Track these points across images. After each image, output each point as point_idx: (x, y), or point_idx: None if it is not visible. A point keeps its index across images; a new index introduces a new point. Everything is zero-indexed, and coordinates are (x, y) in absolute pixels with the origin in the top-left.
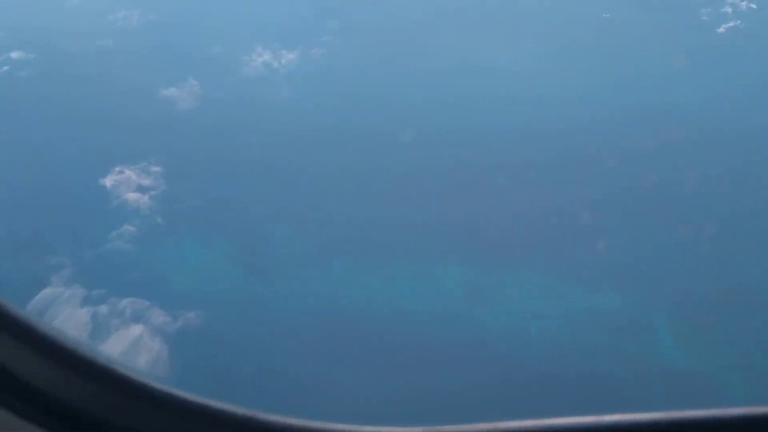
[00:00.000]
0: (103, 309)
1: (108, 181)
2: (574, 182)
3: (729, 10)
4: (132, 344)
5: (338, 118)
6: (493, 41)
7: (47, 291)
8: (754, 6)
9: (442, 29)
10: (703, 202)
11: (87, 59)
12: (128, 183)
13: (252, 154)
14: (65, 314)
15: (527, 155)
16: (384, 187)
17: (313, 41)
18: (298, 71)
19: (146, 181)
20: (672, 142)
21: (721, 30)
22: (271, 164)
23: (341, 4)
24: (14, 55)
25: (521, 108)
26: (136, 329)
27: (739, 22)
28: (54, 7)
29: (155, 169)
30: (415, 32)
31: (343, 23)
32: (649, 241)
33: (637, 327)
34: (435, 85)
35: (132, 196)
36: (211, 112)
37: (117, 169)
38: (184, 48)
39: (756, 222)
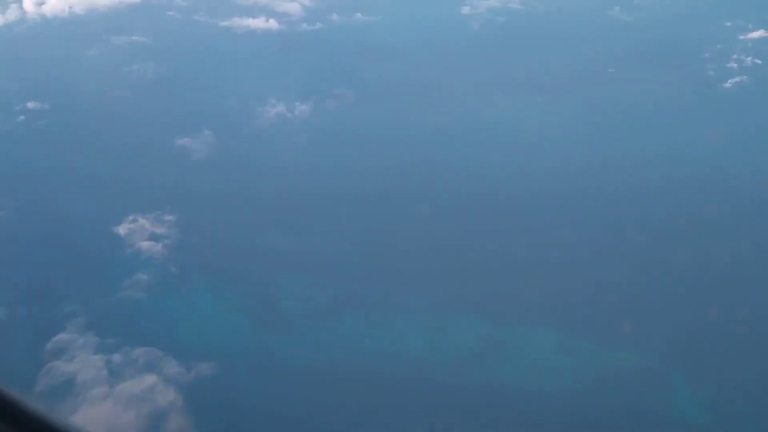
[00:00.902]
0: (117, 357)
1: (122, 230)
2: (588, 238)
3: (735, 65)
4: (145, 393)
5: (350, 169)
6: (503, 97)
7: (61, 337)
8: (759, 61)
9: (454, 85)
10: (709, 251)
11: (102, 110)
12: (142, 231)
13: (265, 203)
14: (79, 361)
15: (540, 209)
16: (396, 238)
17: (326, 93)
18: (311, 122)
19: (160, 230)
20: (681, 187)
21: (728, 85)
22: (283, 214)
23: (353, 59)
24: (30, 105)
25: (532, 160)
26: (149, 379)
27: (744, 77)
28: (70, 59)
29: (169, 217)
30: (426, 86)
31: (355, 77)
32: (661, 294)
33: (654, 383)
34: (447, 137)
35: (145, 244)
36: (224, 162)
37: (131, 217)
38: (199, 99)
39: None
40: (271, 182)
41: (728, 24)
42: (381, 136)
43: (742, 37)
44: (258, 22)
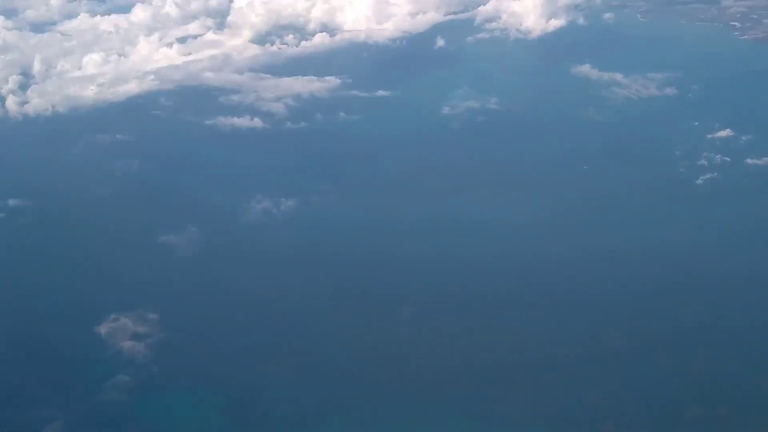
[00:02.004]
0: None
1: (103, 329)
2: (568, 337)
3: (705, 163)
4: None
5: (336, 264)
6: (483, 193)
7: None
8: (728, 159)
9: (435, 181)
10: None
11: (85, 207)
12: (124, 330)
13: (250, 300)
14: None
15: (520, 307)
16: (382, 337)
17: (311, 189)
18: (297, 218)
19: (142, 329)
20: (657, 287)
21: (700, 181)
22: (268, 311)
23: (337, 156)
24: (12, 202)
25: (512, 257)
26: None
27: (715, 174)
28: (53, 157)
29: (152, 316)
30: (408, 183)
31: (339, 174)
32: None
33: None
34: (429, 233)
35: (127, 344)
36: (210, 259)
37: (112, 316)
38: (184, 196)
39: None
40: (257, 279)
41: (696, 124)
42: (365, 231)
43: (710, 136)
44: (243, 121)
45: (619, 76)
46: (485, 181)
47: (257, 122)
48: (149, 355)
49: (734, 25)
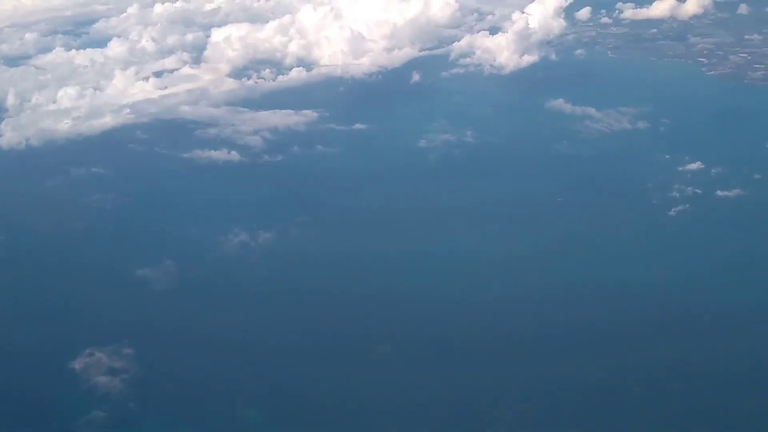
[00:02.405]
0: None
1: (78, 364)
2: (546, 374)
3: (677, 195)
4: None
5: (314, 298)
6: (460, 225)
7: None
8: (699, 191)
9: (414, 214)
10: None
11: (59, 241)
12: (99, 366)
13: (227, 335)
14: None
15: (496, 337)
16: (359, 373)
17: (289, 222)
18: (274, 250)
19: (118, 364)
20: (633, 320)
21: (672, 213)
22: (245, 346)
23: (315, 189)
24: None
25: (490, 290)
26: None
27: (687, 205)
28: (27, 190)
29: (128, 351)
30: (386, 215)
31: (317, 206)
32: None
33: None
34: (407, 270)
35: (102, 379)
36: (187, 292)
37: (87, 351)
38: (160, 229)
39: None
40: (234, 313)
41: (667, 156)
42: (342, 265)
43: (680, 169)
44: (220, 154)
45: (592, 111)
46: (462, 214)
47: (234, 155)
48: (125, 390)
49: (702, 61)
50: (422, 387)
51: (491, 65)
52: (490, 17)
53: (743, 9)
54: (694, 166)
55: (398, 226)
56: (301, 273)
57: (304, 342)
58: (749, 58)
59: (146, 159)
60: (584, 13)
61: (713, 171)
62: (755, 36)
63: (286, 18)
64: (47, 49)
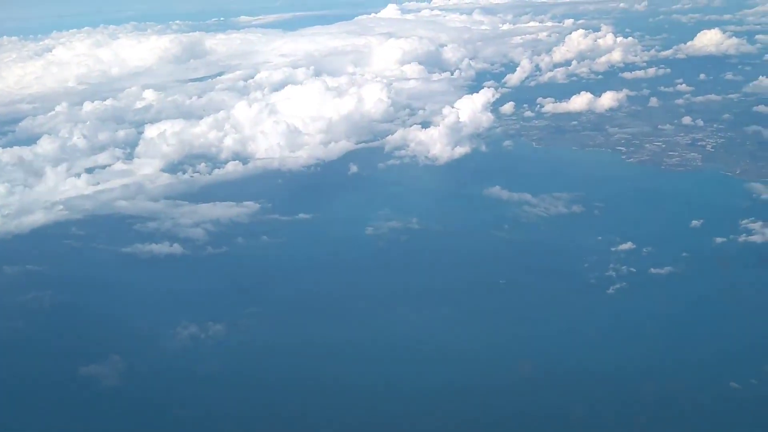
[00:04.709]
0: None
1: None
2: None
3: (613, 273)
4: None
5: (268, 387)
6: (408, 311)
7: None
8: (633, 269)
9: (365, 303)
10: None
11: None
12: None
13: (185, 428)
14: None
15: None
16: None
17: (239, 313)
18: (226, 342)
19: None
20: (577, 395)
21: (611, 291)
22: None
23: (263, 279)
24: None
25: (433, 374)
26: None
27: (624, 283)
28: None
29: None
30: (338, 305)
31: (266, 297)
32: None
33: None
34: (359, 353)
35: None
36: (137, 387)
37: None
38: (104, 324)
39: None
40: (188, 407)
41: (599, 238)
42: (293, 355)
43: (613, 249)
44: (161, 247)
45: (528, 196)
46: (411, 298)
47: (177, 248)
48: None
49: (621, 149)
50: None
51: (426, 156)
52: (421, 112)
53: (654, 102)
54: (626, 246)
55: (350, 313)
56: (254, 364)
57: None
58: (663, 146)
59: (84, 254)
60: (508, 107)
61: (644, 250)
62: (668, 126)
63: (221, 113)
64: None
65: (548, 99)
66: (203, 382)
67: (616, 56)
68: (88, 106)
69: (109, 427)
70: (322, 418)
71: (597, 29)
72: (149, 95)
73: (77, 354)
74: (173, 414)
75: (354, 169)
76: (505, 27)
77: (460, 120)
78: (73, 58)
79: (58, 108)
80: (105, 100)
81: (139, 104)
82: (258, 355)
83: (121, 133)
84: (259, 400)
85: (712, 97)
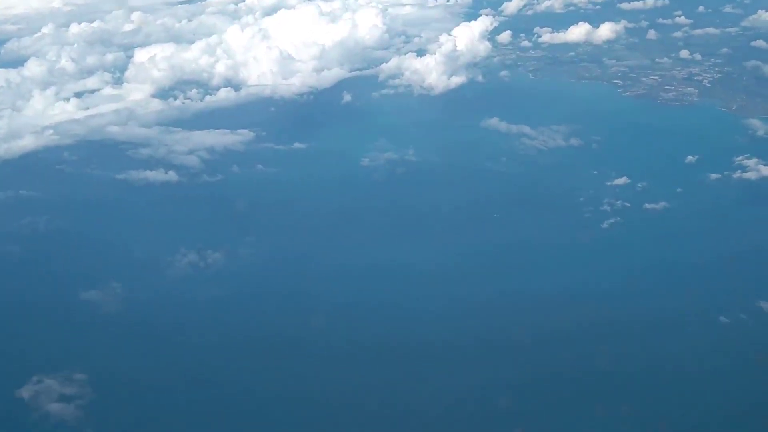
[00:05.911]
0: None
1: (25, 392)
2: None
3: (608, 208)
4: None
5: (267, 311)
6: (402, 239)
7: None
8: (628, 204)
9: (360, 232)
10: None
11: None
12: (49, 393)
13: (182, 356)
14: None
15: (433, 346)
16: (319, 397)
17: (237, 241)
18: (225, 270)
19: (70, 390)
20: (567, 331)
21: (605, 225)
22: (201, 366)
23: (260, 208)
24: None
25: (425, 299)
26: None
27: (618, 218)
28: None
29: (79, 376)
30: (334, 232)
31: (261, 225)
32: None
33: None
34: (357, 276)
35: (55, 406)
36: (137, 315)
37: (35, 378)
38: (102, 251)
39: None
40: (188, 334)
41: (595, 172)
42: (294, 280)
43: (608, 184)
44: (156, 175)
45: (527, 129)
46: (405, 227)
47: (172, 175)
48: (81, 416)
49: (617, 83)
50: (359, 394)
51: (421, 86)
52: (416, 39)
53: (652, 34)
54: (621, 181)
55: (347, 240)
56: (254, 291)
57: (258, 355)
58: (660, 80)
59: (78, 180)
60: (505, 36)
61: (639, 185)
62: (665, 59)
63: (213, 38)
64: None
65: (545, 29)
66: (204, 308)
67: None
68: (74, 28)
69: (111, 352)
70: (322, 338)
71: None
72: (137, 18)
73: (76, 279)
74: (174, 340)
75: (347, 98)
76: None
77: (457, 48)
78: None
79: (44, 29)
80: (92, 22)
81: (127, 27)
82: (258, 282)
83: (110, 57)
84: (259, 324)
85: (711, 30)
